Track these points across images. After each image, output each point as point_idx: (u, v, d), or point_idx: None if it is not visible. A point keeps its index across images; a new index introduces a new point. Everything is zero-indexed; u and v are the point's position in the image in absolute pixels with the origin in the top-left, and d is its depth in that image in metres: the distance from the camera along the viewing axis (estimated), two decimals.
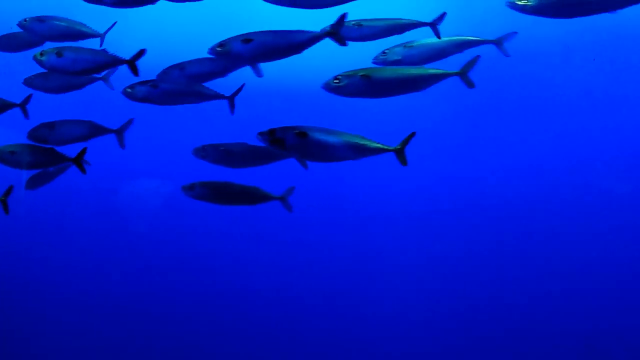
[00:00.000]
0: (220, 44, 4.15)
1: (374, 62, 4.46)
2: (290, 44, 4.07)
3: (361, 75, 3.98)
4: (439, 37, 4.58)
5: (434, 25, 4.63)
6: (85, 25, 4.77)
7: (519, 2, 3.81)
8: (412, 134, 4.04)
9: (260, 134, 3.93)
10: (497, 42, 4.74)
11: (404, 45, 4.46)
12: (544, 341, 7.29)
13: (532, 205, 7.59)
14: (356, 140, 4.02)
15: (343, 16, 4.00)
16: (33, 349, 7.59)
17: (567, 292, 7.24)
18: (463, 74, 4.23)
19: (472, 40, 4.64)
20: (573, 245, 7.31)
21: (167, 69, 4.51)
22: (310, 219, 7.89)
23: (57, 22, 4.59)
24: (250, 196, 4.63)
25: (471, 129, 7.57)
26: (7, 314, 7.71)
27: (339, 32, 4.04)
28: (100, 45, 4.80)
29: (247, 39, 4.04)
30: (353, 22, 4.42)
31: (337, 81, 4.01)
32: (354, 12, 4.25)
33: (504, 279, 7.46)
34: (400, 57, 4.44)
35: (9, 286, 7.74)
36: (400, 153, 4.09)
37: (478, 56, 4.22)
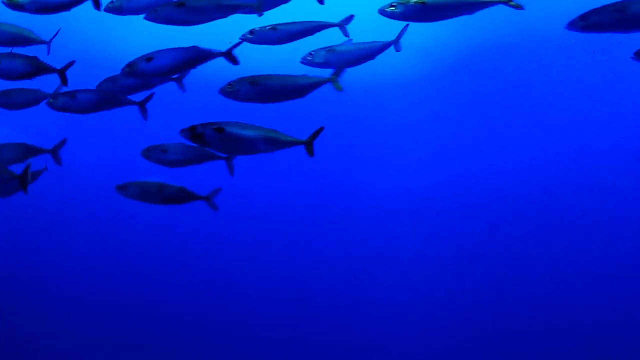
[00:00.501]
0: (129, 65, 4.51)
1: (302, 63, 4.72)
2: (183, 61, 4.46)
3: (249, 82, 4.29)
4: (347, 36, 4.90)
5: (342, 26, 4.94)
6: (32, 32, 4.85)
7: (387, 10, 4.18)
8: (321, 129, 4.29)
9: (182, 130, 4.21)
10: (395, 43, 4.86)
11: (327, 49, 4.70)
12: (548, 339, 7.30)
13: (539, 202, 7.61)
14: (270, 134, 4.25)
15: (238, 44, 4.52)
16: (42, 345, 7.60)
17: (573, 289, 7.25)
18: (334, 80, 4.49)
19: (386, 43, 4.81)
20: (578, 241, 7.33)
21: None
22: (316, 217, 7.91)
23: (6, 29, 4.66)
24: (178, 197, 4.81)
25: (474, 127, 7.59)
26: (12, 311, 7.72)
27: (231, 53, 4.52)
28: (48, 53, 4.96)
29: (148, 57, 4.41)
30: (269, 27, 4.71)
31: (230, 87, 4.33)
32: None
33: (510, 275, 7.48)
34: (323, 60, 4.69)
35: (14, 284, 7.75)
36: (309, 145, 4.33)
37: (343, 69, 4.49)
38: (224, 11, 4.39)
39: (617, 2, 3.69)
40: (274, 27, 4.74)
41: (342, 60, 4.67)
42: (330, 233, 8.01)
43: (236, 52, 4.48)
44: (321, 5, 4.73)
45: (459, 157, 7.80)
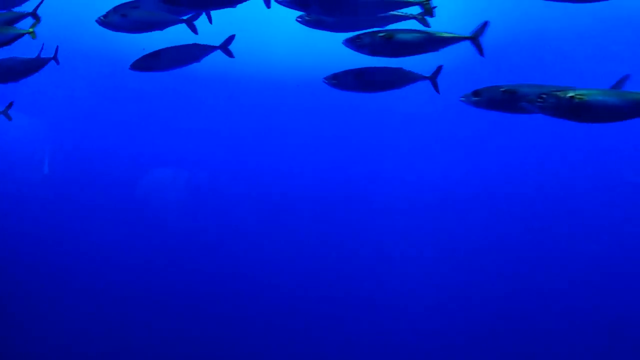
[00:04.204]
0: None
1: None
2: None
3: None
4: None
5: None
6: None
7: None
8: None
9: None
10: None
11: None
12: (559, 336, 7.31)
13: (549, 200, 7.58)
14: None
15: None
16: (49, 338, 7.70)
17: (592, 290, 7.22)
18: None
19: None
20: (589, 238, 7.31)
21: None
22: (326, 213, 7.93)
23: None
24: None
25: (479, 125, 7.59)
26: (21, 303, 7.82)
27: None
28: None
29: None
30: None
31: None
32: None
33: (520, 273, 7.47)
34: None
35: (24, 275, 7.85)
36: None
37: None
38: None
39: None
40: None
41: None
42: (338, 231, 8.04)
43: None
44: None
45: (476, 154, 7.78)
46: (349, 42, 4.31)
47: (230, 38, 4.79)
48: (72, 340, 7.61)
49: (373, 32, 4.27)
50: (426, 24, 4.46)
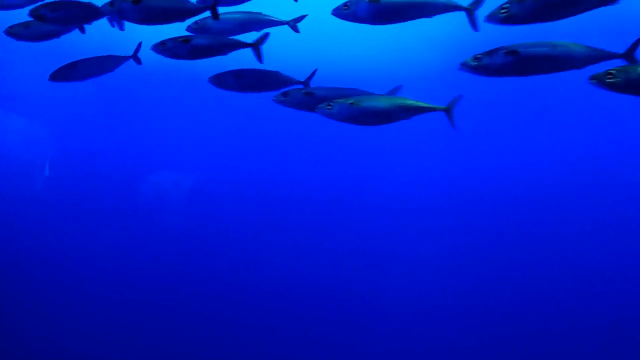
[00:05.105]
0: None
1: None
2: None
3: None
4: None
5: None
6: None
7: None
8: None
9: None
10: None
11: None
12: (561, 337, 7.31)
13: (557, 201, 7.57)
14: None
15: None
16: (49, 338, 7.69)
17: (595, 292, 7.22)
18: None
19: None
20: (591, 239, 7.30)
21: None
22: (326, 213, 7.92)
23: None
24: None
25: (490, 123, 7.57)
26: (24, 305, 7.82)
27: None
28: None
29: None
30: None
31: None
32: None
33: (521, 274, 7.47)
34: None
35: (27, 278, 7.84)
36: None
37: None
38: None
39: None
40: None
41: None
42: (342, 229, 8.04)
43: None
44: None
45: (479, 153, 7.77)
46: (155, 47, 4.57)
47: (139, 46, 4.95)
48: (72, 340, 7.61)
49: (176, 37, 4.50)
50: (296, 30, 4.77)
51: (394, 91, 4.51)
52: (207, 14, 4.45)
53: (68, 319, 7.71)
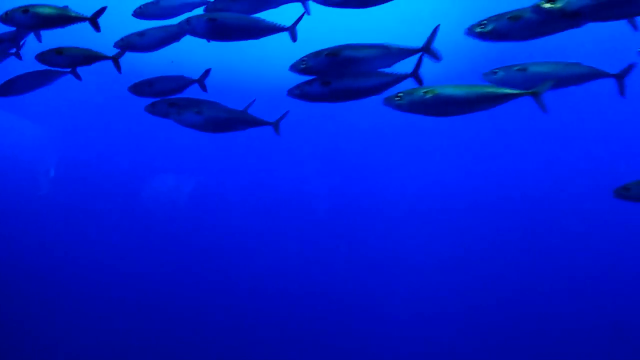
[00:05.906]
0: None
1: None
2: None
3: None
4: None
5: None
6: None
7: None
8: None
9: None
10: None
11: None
12: (561, 338, 7.29)
13: (549, 203, 7.56)
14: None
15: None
16: (48, 339, 7.73)
17: (589, 288, 7.20)
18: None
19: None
20: (591, 241, 7.28)
21: None
22: (330, 218, 7.93)
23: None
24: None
25: (479, 126, 7.58)
26: (25, 308, 7.86)
27: None
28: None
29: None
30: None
31: None
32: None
33: (521, 277, 7.45)
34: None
35: (28, 281, 7.88)
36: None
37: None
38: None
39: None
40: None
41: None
42: (343, 233, 8.05)
43: None
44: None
45: (479, 154, 7.77)
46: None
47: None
48: (73, 340, 7.64)
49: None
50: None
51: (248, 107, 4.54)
52: None
53: (69, 320, 7.74)
